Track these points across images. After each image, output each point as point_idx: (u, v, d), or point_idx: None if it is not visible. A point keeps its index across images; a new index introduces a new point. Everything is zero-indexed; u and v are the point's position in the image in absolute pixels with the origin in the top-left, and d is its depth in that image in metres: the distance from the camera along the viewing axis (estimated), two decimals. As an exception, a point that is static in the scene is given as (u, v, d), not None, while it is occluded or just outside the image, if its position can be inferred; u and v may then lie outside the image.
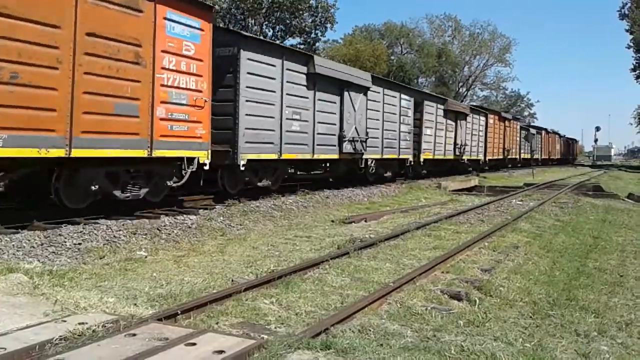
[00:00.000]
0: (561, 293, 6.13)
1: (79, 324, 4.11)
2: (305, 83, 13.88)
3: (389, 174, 20.59)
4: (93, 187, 8.93)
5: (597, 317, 5.30)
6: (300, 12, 33.66)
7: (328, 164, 17.04)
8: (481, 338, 4.47)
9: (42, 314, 4.45)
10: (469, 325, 4.83)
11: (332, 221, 11.66)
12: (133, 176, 9.51)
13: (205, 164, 10.18)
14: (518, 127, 40.67)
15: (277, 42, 35.15)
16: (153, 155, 9.10)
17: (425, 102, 22.66)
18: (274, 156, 12.81)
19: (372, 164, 17.76)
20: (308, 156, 14.27)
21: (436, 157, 23.84)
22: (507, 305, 5.56)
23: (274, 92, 12.69)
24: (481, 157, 31.06)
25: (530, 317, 5.24)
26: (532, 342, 4.51)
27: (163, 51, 9.13)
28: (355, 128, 16.23)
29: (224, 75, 11.47)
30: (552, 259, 8.07)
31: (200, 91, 9.93)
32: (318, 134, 14.47)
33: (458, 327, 4.73)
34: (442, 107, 24.44)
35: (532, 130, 44.09)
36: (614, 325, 5.12)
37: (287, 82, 13.10)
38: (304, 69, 13.84)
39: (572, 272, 7.28)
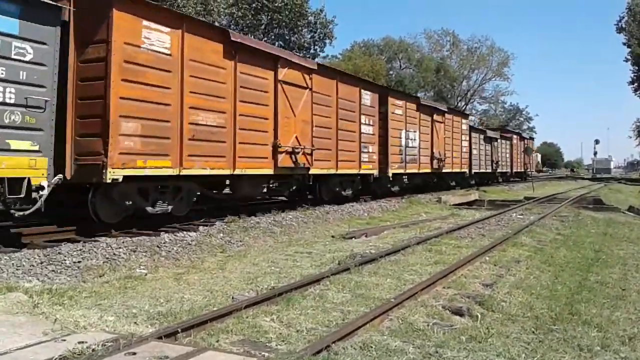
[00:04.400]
0: (563, 307, 6.09)
1: (79, 343, 4.09)
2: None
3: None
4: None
5: (599, 332, 5.26)
6: (299, 28, 33.87)
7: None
8: (484, 354, 4.44)
9: (42, 333, 4.43)
10: (471, 341, 4.79)
11: (333, 236, 11.64)
12: None
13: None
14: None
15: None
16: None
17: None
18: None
19: None
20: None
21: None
22: (509, 321, 5.52)
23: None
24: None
25: (533, 332, 5.20)
26: (535, 357, 4.48)
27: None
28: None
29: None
30: (553, 273, 8.04)
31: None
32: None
33: (460, 343, 4.70)
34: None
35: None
36: (617, 340, 5.07)
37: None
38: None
39: (574, 286, 7.24)
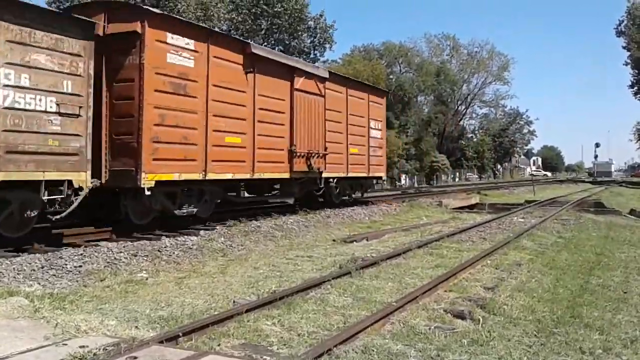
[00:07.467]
0: (565, 311, 6.08)
1: (80, 347, 4.09)
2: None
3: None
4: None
5: (601, 335, 5.25)
6: (299, 33, 33.93)
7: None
8: (485, 357, 4.43)
9: (43, 337, 4.42)
10: (473, 344, 4.78)
11: (334, 240, 11.62)
12: None
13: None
14: None
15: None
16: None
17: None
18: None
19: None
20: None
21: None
22: (511, 324, 5.51)
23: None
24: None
25: (535, 335, 5.19)
26: (537, 360, 4.47)
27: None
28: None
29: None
30: (555, 276, 8.02)
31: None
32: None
33: (462, 347, 4.69)
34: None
35: None
36: (618, 343, 5.07)
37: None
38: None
39: (575, 290, 7.23)
